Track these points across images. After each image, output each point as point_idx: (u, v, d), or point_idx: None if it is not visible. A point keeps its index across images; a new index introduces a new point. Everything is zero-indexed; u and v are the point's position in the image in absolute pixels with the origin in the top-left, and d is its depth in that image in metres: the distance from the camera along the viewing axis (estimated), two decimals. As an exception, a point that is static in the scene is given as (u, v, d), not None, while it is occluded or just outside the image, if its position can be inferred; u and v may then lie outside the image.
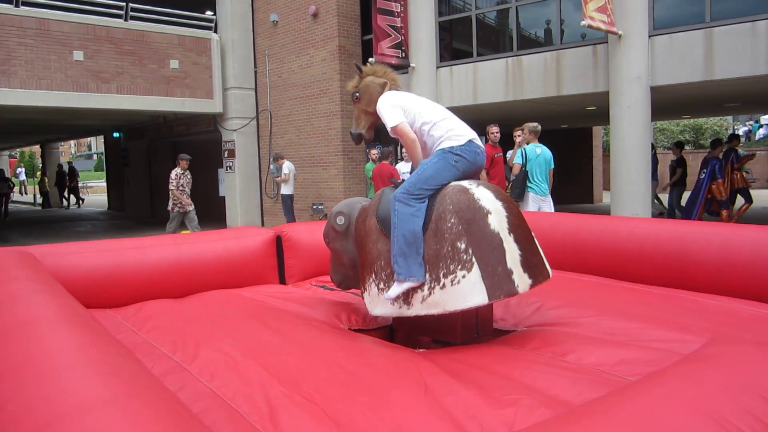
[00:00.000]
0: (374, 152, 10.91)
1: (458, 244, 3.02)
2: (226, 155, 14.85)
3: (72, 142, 63.42)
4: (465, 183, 3.18)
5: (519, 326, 3.40)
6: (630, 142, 9.28)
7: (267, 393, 2.32)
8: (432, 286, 3.06)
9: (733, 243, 3.91)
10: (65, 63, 11.82)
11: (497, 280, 2.96)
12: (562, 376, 2.51)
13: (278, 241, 4.89)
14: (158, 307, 3.92)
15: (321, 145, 13.19)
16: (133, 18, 12.91)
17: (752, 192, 11.55)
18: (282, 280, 4.87)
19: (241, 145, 14.60)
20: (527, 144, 8.12)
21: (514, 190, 7.89)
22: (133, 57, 12.80)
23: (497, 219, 3.04)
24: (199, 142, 18.52)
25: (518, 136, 8.32)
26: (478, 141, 3.32)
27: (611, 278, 4.46)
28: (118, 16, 12.72)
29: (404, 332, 3.60)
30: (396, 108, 3.34)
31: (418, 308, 3.10)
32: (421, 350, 3.12)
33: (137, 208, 20.45)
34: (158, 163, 20.19)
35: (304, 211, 13.29)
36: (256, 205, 14.89)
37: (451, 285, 3.00)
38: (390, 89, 3.56)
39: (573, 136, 20.26)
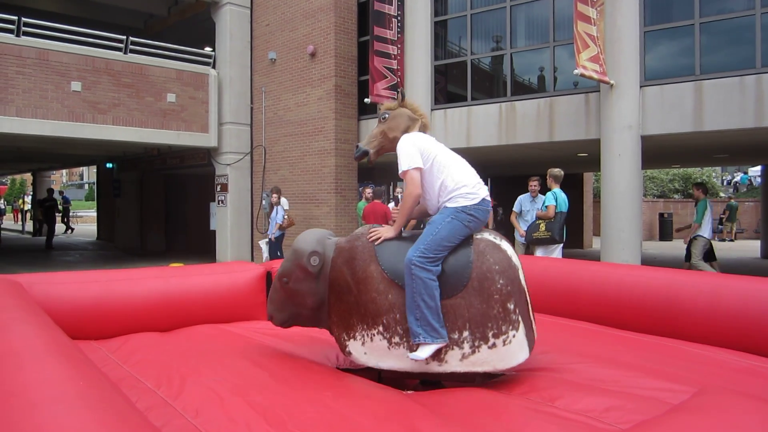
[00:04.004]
0: (368, 191, 10.96)
1: (508, 305, 3.07)
2: (218, 189, 14.86)
3: (64, 171, 63.36)
4: (491, 237, 3.24)
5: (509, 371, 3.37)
6: (620, 190, 9.37)
7: (252, 431, 2.28)
8: (477, 344, 3.06)
9: (722, 293, 3.92)
10: (62, 93, 11.88)
11: (532, 334, 3.13)
12: (550, 422, 2.49)
13: (268, 277, 4.87)
14: (144, 340, 3.87)
15: (314, 182, 13.24)
16: (132, 51, 13.03)
17: (740, 242, 11.60)
18: (270, 317, 4.82)
19: (234, 180, 14.62)
20: (551, 189, 8.34)
21: (555, 232, 8.00)
22: (131, 89, 12.88)
23: (522, 274, 3.18)
24: (192, 175, 18.54)
25: (534, 185, 8.76)
26: (488, 196, 3.31)
27: (601, 325, 4.45)
28: (118, 49, 12.84)
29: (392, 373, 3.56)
30: (416, 152, 3.25)
31: (456, 365, 3.09)
32: (409, 392, 3.09)
33: (127, 239, 20.33)
34: (150, 195, 20.17)
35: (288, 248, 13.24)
36: (246, 240, 14.84)
37: (503, 345, 3.06)
38: (418, 130, 3.49)
39: (564, 181, 20.39)
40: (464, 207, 3.18)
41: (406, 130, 3.46)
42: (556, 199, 8.14)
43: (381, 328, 3.14)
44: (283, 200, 12.34)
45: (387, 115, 3.53)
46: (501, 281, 3.08)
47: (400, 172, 3.26)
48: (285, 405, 2.58)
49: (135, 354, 3.51)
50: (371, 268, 3.19)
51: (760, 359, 3.51)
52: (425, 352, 3.01)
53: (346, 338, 3.28)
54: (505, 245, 3.21)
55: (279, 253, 12.15)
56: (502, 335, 3.05)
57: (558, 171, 8.44)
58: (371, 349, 3.19)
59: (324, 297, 3.38)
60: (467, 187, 3.23)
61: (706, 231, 9.23)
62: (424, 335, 2.99)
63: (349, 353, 3.27)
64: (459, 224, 3.15)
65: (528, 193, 8.93)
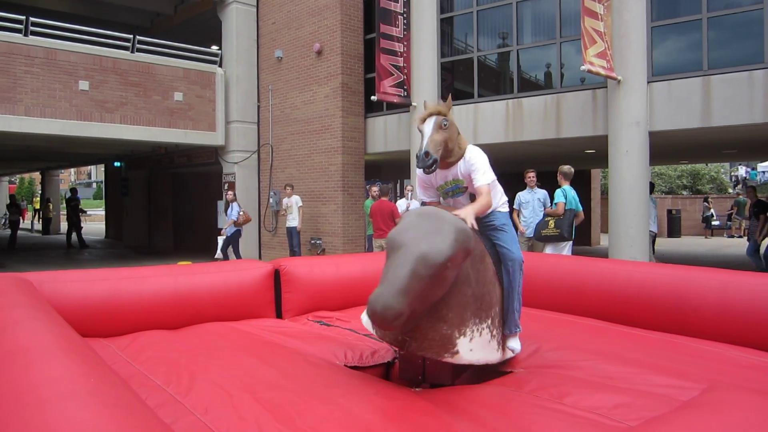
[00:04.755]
0: (374, 189, 10.96)
1: None
2: (226, 188, 14.91)
3: (72, 170, 63.69)
4: None
5: (516, 368, 3.37)
6: (628, 186, 9.33)
7: (261, 428, 2.29)
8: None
9: (731, 290, 3.91)
10: (70, 92, 11.94)
11: None
12: (559, 419, 2.48)
13: (276, 275, 4.87)
14: (153, 338, 3.89)
15: (321, 180, 13.26)
16: (139, 50, 13.09)
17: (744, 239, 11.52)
18: (279, 315, 4.84)
19: (241, 178, 14.67)
20: (560, 187, 8.34)
21: (563, 229, 8.01)
22: (138, 88, 12.94)
23: None
24: (199, 173, 18.60)
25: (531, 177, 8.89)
26: None
27: (609, 322, 4.44)
28: (125, 48, 12.90)
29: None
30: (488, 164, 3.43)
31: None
32: (418, 389, 3.09)
33: (135, 237, 20.42)
34: (158, 194, 20.24)
35: (302, 245, 13.28)
36: (254, 238, 14.88)
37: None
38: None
39: (572, 178, 20.34)
40: (507, 213, 3.55)
41: (456, 139, 3.40)
42: (565, 196, 8.12)
43: (490, 322, 3.15)
44: (296, 197, 12.46)
45: (446, 123, 3.28)
46: None
47: (483, 183, 3.31)
48: (294, 402, 2.58)
49: (144, 351, 3.52)
50: (487, 260, 3.20)
51: (770, 356, 3.49)
52: (518, 341, 3.42)
53: (458, 336, 2.93)
54: None
55: (231, 249, 12.31)
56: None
57: (568, 168, 8.43)
58: (477, 344, 3.02)
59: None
60: (503, 198, 3.57)
61: (651, 226, 10.04)
62: (519, 325, 3.39)
63: (456, 353, 2.94)
64: None
65: (527, 188, 8.96)
